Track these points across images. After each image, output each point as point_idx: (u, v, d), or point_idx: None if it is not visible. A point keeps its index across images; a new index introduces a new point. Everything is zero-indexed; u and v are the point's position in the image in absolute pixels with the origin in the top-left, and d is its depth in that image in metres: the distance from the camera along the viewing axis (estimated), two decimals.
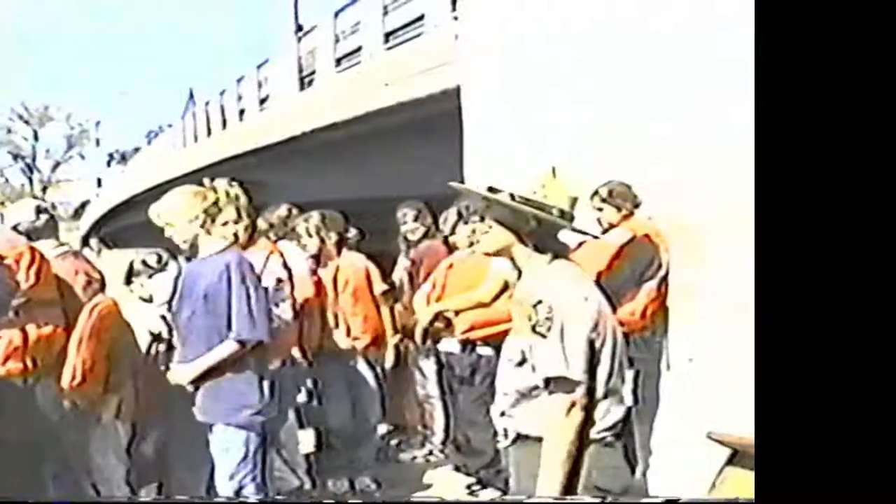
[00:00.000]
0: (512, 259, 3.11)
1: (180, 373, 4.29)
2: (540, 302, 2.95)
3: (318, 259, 5.84)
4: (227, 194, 4.40)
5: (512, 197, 3.04)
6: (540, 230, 3.04)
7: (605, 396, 3.01)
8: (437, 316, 5.62)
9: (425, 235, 6.36)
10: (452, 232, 5.90)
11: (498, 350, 5.44)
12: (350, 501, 5.35)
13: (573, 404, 2.92)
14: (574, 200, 3.08)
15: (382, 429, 6.30)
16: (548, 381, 2.94)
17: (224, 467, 4.32)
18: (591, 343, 2.96)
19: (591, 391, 2.93)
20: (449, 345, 5.72)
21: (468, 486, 5.79)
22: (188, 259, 4.68)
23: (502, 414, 3.12)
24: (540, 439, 2.99)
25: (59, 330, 4.36)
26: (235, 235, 4.45)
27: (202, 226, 4.31)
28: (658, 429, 4.93)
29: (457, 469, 5.93)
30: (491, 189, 3.07)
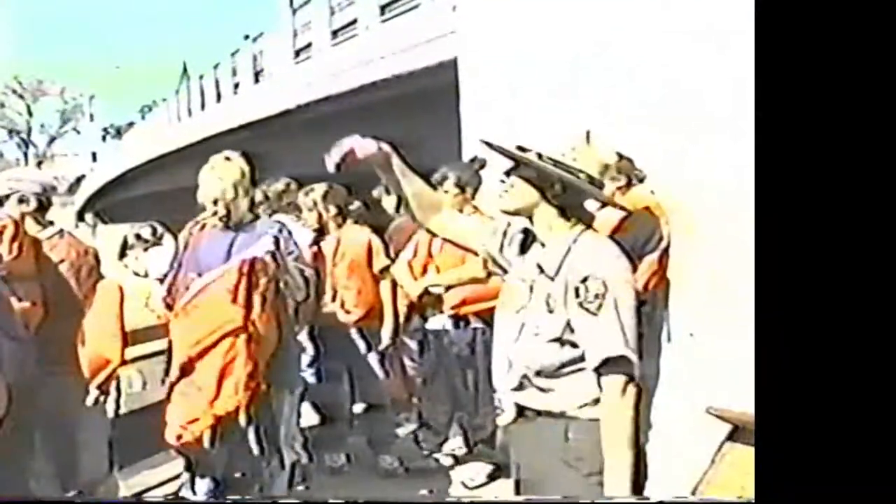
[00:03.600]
0: (531, 219, 3.00)
1: None
2: (587, 278, 2.85)
3: (321, 232, 5.81)
4: (251, 168, 4.47)
5: (539, 156, 2.96)
6: (565, 195, 2.95)
7: None
8: (427, 291, 5.61)
9: (398, 207, 6.34)
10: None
11: (487, 323, 5.46)
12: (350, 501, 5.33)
13: (628, 382, 2.82)
14: (605, 167, 3.00)
15: (377, 403, 6.28)
16: (605, 361, 2.82)
17: None
18: (640, 318, 2.87)
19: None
20: (437, 322, 5.69)
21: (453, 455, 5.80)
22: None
23: (516, 388, 3.01)
24: (558, 415, 2.92)
25: (37, 306, 4.31)
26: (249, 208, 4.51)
27: (245, 196, 4.43)
28: (658, 403, 4.90)
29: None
30: (520, 148, 2.98)
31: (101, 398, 4.52)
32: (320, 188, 5.92)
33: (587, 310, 2.84)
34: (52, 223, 4.76)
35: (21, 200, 4.61)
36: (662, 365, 4.95)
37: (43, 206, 4.70)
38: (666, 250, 4.90)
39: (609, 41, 5.04)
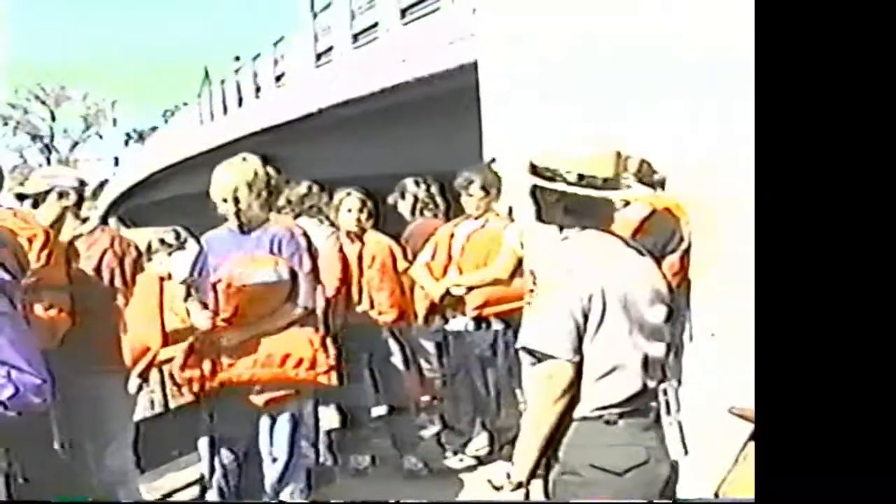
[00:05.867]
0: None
1: (237, 335, 4.38)
2: (531, 272, 3.01)
3: (346, 235, 5.84)
4: (267, 171, 4.49)
5: (538, 171, 3.00)
6: (566, 199, 2.99)
7: (610, 373, 2.95)
8: (448, 292, 5.63)
9: (413, 211, 6.39)
10: (451, 204, 5.94)
11: (508, 325, 5.49)
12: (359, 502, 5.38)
13: (550, 377, 2.90)
14: (617, 164, 3.04)
15: (401, 405, 6.30)
16: (529, 352, 2.94)
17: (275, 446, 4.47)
18: (578, 318, 2.89)
19: (578, 366, 2.90)
20: (459, 323, 5.71)
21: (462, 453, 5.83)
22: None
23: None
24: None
25: (64, 314, 4.34)
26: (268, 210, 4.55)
27: (258, 198, 4.45)
28: (681, 403, 4.90)
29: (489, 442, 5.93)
30: (533, 167, 3.03)
31: (143, 386, 4.58)
32: (356, 194, 5.93)
33: (528, 302, 3.00)
34: (87, 219, 4.81)
35: (61, 195, 4.63)
36: (684, 364, 4.96)
37: (82, 200, 4.74)
38: (687, 251, 4.91)
39: (633, 44, 5.05)
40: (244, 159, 4.56)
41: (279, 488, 4.51)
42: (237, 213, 4.46)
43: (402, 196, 6.43)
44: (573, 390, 2.91)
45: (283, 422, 4.51)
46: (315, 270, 4.62)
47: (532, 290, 2.97)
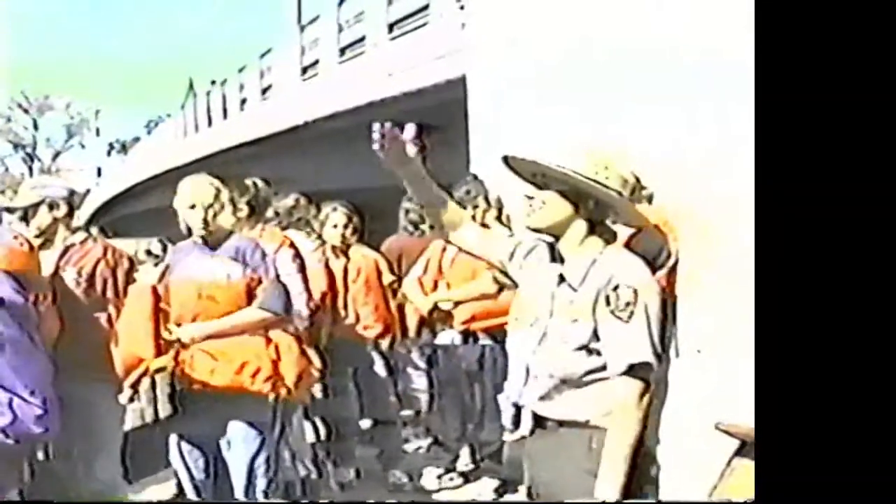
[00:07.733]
0: (556, 237, 3.06)
1: (187, 331, 4.30)
2: (618, 286, 2.93)
3: (332, 249, 5.85)
4: (243, 186, 4.46)
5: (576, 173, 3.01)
6: (596, 211, 3.03)
7: None
8: (436, 306, 5.65)
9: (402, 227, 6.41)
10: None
11: (495, 339, 5.49)
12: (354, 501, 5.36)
13: (645, 390, 2.91)
14: (625, 182, 3.09)
15: (386, 419, 6.30)
16: (629, 367, 2.90)
17: (239, 459, 4.36)
18: (664, 327, 2.96)
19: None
20: (447, 337, 5.72)
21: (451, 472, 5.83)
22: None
23: (540, 399, 3.06)
24: (579, 425, 2.98)
25: (54, 321, 4.33)
26: (242, 223, 4.51)
27: (217, 213, 4.39)
28: (667, 419, 4.91)
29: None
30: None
31: (134, 397, 4.55)
32: (342, 205, 5.94)
33: (618, 317, 2.91)
34: (79, 229, 4.79)
35: (52, 206, 4.62)
36: (671, 381, 4.97)
37: (73, 210, 4.73)
38: (674, 267, 4.92)
39: (620, 57, 5.07)
40: (209, 179, 4.53)
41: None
42: (200, 227, 4.44)
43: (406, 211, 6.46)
44: (658, 398, 2.96)
45: (250, 437, 4.44)
46: (304, 278, 4.59)
47: (633, 303, 2.93)
